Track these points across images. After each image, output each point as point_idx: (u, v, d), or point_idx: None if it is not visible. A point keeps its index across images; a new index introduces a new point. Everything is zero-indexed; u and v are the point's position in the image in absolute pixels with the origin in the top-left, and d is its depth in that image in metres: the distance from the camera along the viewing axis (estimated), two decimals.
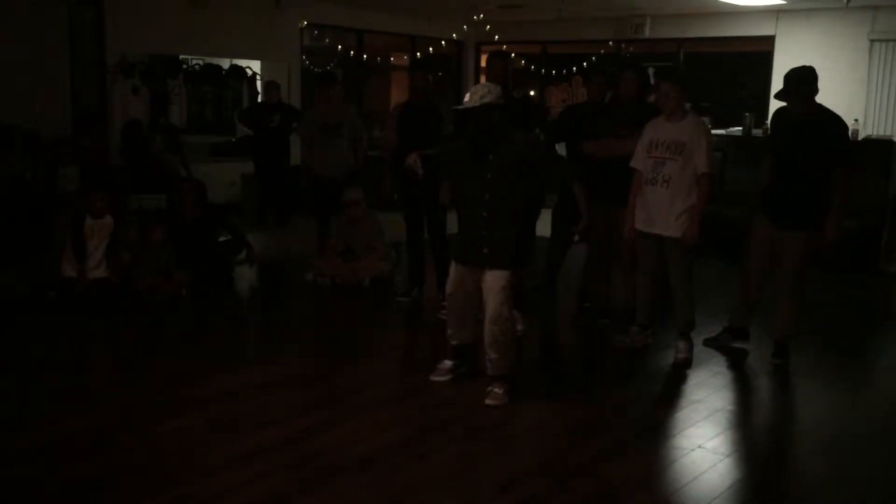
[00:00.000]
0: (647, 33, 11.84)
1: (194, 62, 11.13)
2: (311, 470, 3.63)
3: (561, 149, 5.99)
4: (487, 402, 4.42)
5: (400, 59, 13.72)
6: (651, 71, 12.59)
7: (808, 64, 5.12)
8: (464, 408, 4.43)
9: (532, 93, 11.90)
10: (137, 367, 5.03)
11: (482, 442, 4.05)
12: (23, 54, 8.33)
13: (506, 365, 4.48)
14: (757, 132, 9.02)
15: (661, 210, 5.15)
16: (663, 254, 5.29)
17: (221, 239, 7.14)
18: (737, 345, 5.55)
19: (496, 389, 4.46)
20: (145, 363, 5.07)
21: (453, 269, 4.57)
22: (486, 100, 4.30)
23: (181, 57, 10.55)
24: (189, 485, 3.44)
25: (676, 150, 5.08)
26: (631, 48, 12.31)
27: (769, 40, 10.89)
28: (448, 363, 4.76)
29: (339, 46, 12.35)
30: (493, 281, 4.37)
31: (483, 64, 13.33)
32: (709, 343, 5.59)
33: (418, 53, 12.93)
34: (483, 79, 13.15)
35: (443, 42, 13.39)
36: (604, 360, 5.54)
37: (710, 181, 5.12)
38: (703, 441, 4.08)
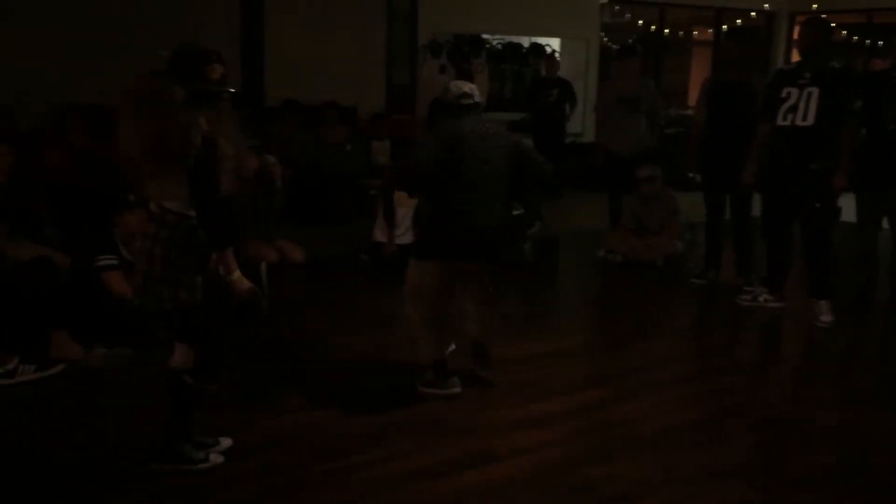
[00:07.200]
0: None
1: (496, 41, 11.48)
2: (599, 441, 3.63)
3: None
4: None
5: (703, 34, 13.14)
6: None
7: None
8: (761, 395, 4.21)
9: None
10: None
11: (782, 431, 3.81)
12: (346, 37, 9.13)
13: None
14: None
15: None
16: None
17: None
18: None
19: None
20: None
21: None
22: None
23: (483, 36, 10.95)
24: (480, 440, 3.59)
25: None
26: None
27: None
28: None
29: (639, 21, 12.08)
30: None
31: (795, 36, 12.35)
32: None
33: (724, 26, 12.28)
34: (795, 51, 12.20)
35: (752, 13, 12.58)
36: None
37: None
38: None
